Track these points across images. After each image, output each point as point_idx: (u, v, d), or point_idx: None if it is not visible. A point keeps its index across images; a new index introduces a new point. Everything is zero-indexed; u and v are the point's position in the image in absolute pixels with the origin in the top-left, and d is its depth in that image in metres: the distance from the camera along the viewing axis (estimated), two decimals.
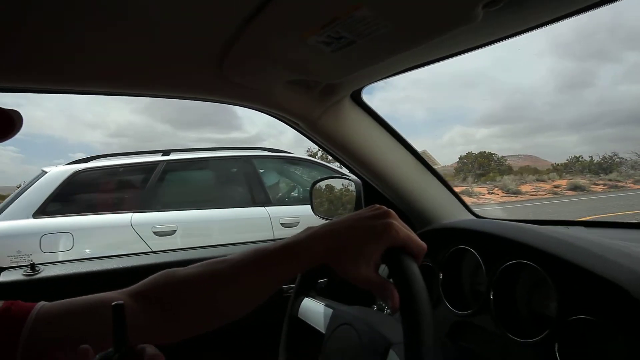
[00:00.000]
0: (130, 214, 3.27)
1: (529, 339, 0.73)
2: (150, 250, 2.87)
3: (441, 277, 0.97)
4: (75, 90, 0.88)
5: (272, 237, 3.18)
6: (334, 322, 0.79)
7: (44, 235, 2.93)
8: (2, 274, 1.19)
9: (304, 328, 0.90)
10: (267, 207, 3.58)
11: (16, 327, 0.54)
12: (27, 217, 3.00)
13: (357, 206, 1.39)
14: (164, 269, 0.63)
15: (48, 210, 3.06)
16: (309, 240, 0.58)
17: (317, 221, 0.76)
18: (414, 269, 0.52)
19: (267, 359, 1.02)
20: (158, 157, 3.60)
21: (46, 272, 1.20)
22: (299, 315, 0.90)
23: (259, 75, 0.86)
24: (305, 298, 0.91)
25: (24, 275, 1.18)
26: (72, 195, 3.25)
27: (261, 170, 3.89)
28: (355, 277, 0.55)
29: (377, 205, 0.60)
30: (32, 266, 1.20)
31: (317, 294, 0.94)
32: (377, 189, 1.23)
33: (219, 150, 3.88)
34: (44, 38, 0.66)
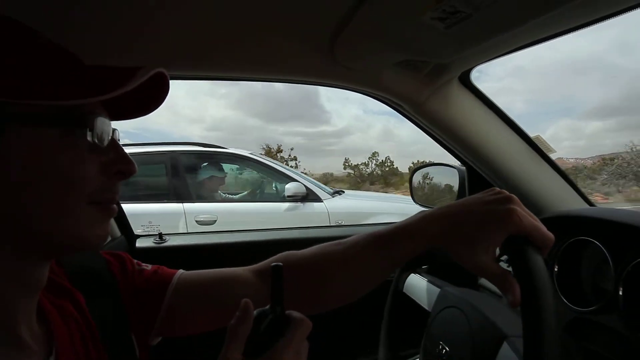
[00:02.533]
0: None
1: None
2: None
3: (556, 270, 0.91)
4: (212, 76, 0.97)
5: None
6: (441, 302, 0.78)
7: None
8: (137, 240, 1.37)
9: (408, 304, 0.90)
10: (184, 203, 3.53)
11: (162, 288, 0.62)
12: None
13: (461, 194, 1.34)
14: (274, 245, 0.67)
15: None
16: (423, 222, 0.58)
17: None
18: (539, 261, 0.49)
19: (373, 334, 1.03)
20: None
21: (171, 241, 1.36)
22: (404, 291, 0.91)
23: (369, 57, 0.87)
24: (412, 274, 0.91)
25: (154, 242, 1.35)
26: None
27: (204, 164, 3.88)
28: (471, 263, 0.53)
29: (497, 189, 0.57)
30: (160, 235, 1.37)
31: (423, 271, 0.94)
32: (482, 176, 1.17)
33: (147, 146, 3.85)
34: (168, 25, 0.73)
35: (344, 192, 4.16)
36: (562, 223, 0.93)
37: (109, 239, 1.32)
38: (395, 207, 3.87)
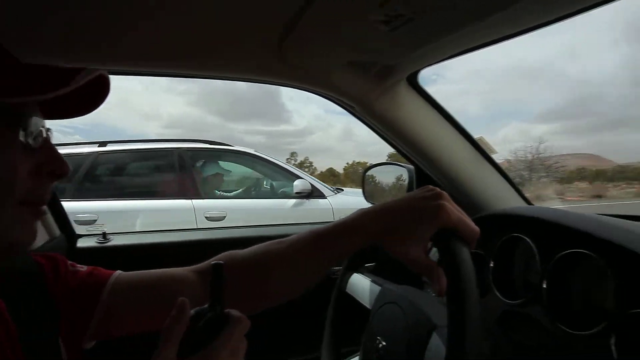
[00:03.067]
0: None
1: (583, 332, 0.71)
2: None
3: (492, 265, 0.96)
4: (134, 71, 0.94)
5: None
6: (380, 299, 0.81)
7: None
8: (79, 240, 1.31)
9: (351, 303, 0.92)
10: (193, 200, 3.58)
11: (97, 290, 0.61)
12: None
13: (409, 192, 1.38)
14: (219, 244, 0.67)
15: None
16: (362, 219, 0.60)
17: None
18: (464, 253, 0.52)
19: (314, 333, 1.05)
20: (93, 148, 3.63)
21: (115, 241, 1.32)
22: (347, 290, 0.93)
23: (318, 57, 0.88)
24: (354, 274, 0.93)
25: (97, 242, 1.30)
26: None
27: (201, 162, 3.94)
28: (404, 256, 0.56)
29: (431, 187, 0.60)
30: (104, 235, 1.32)
31: (367, 270, 0.96)
32: (430, 176, 1.22)
33: (154, 142, 3.91)
34: (99, 16, 0.71)
35: (343, 189, 4.32)
36: (499, 221, 0.98)
37: (47, 238, 1.27)
38: None
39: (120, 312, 0.61)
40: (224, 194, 4.06)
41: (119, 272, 0.65)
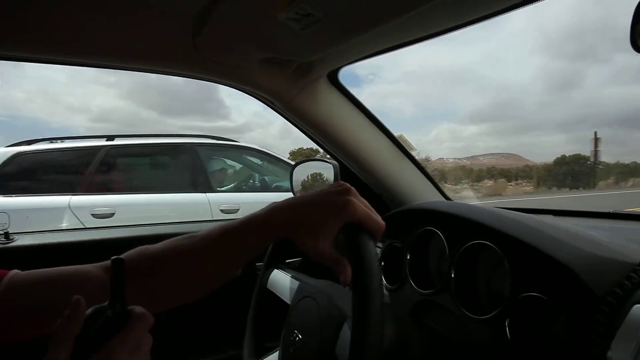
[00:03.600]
0: (69, 197, 3.26)
1: (483, 316, 0.76)
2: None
3: (408, 258, 1.00)
4: (50, 59, 0.88)
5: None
6: (299, 294, 0.81)
7: None
8: None
9: (273, 299, 0.92)
10: (207, 194, 3.64)
11: None
12: None
13: None
14: (134, 242, 0.64)
15: None
16: (272, 213, 0.60)
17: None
18: (368, 245, 0.54)
19: (236, 329, 1.04)
20: (102, 142, 3.62)
21: (20, 241, 1.21)
22: (268, 287, 0.93)
23: (233, 52, 0.87)
24: (275, 269, 0.93)
25: None
26: (11, 177, 3.27)
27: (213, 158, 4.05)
28: (311, 250, 0.56)
29: (341, 182, 0.61)
30: (7, 235, 1.21)
31: (288, 267, 0.96)
32: (353, 171, 1.24)
33: (163, 137, 3.93)
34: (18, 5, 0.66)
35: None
36: (414, 215, 1.02)
37: None
38: None
39: (16, 313, 0.56)
40: (236, 186, 4.13)
41: (15, 271, 0.59)
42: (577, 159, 25.77)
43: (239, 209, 3.53)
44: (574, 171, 23.85)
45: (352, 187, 0.60)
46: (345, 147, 1.14)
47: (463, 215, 0.85)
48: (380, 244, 1.20)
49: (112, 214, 3.26)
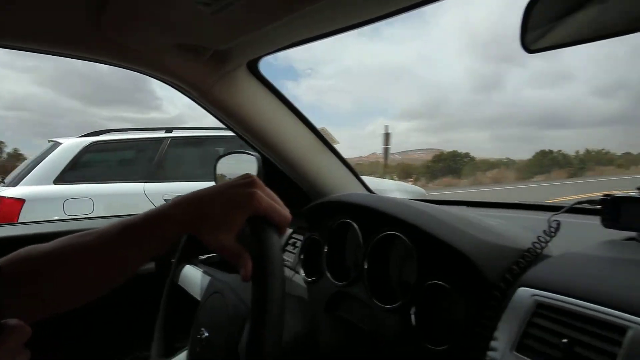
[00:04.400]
0: (143, 184, 3.59)
1: (391, 305, 0.78)
2: None
3: (326, 250, 1.01)
4: None
5: None
6: (208, 290, 0.79)
7: (66, 200, 3.20)
8: None
9: (184, 296, 0.89)
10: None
11: None
12: (49, 184, 3.27)
13: None
14: (30, 240, 0.59)
15: (67, 178, 3.34)
16: (171, 208, 0.57)
17: None
18: (270, 238, 0.53)
19: (147, 329, 0.99)
20: (161, 134, 3.94)
21: None
22: (179, 283, 0.89)
23: (142, 35, 0.82)
24: (188, 265, 0.90)
25: None
26: (88, 165, 3.57)
27: None
28: (213, 244, 0.54)
29: (247, 174, 0.60)
30: None
31: (205, 262, 0.93)
32: (275, 164, 1.23)
33: (213, 130, 4.24)
34: None
35: None
36: (331, 208, 1.03)
37: None
38: (395, 185, 4.94)
39: None
40: None
41: None
42: (454, 155, 27.98)
43: None
44: (449, 167, 25.72)
45: (258, 179, 0.58)
46: (266, 139, 1.12)
47: (376, 207, 0.87)
48: (301, 237, 1.21)
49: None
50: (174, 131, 4.04)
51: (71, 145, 3.48)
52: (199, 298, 0.82)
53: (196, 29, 0.76)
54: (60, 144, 3.47)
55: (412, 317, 0.74)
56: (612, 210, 0.74)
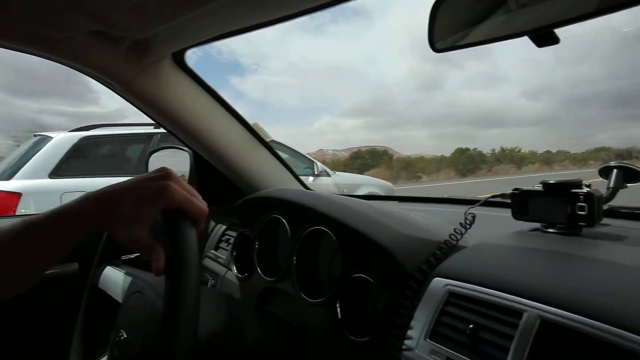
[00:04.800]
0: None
1: (318, 299, 0.79)
2: None
3: (257, 246, 1.00)
4: None
5: None
6: (129, 290, 0.76)
7: (64, 193, 3.14)
8: None
9: (106, 299, 0.85)
10: None
11: None
12: (44, 177, 3.23)
13: (192, 177, 1.35)
14: None
15: (61, 172, 3.31)
16: (79, 204, 0.54)
17: None
18: (184, 231, 0.51)
19: (69, 333, 0.94)
20: (151, 129, 3.91)
21: None
22: (99, 286, 0.85)
23: (52, 20, 0.76)
24: (108, 267, 0.86)
25: None
26: (81, 159, 3.55)
27: None
28: (124, 238, 0.53)
29: (163, 168, 0.58)
30: None
31: (128, 263, 0.89)
32: (206, 159, 1.20)
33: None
34: None
35: (334, 172, 5.14)
36: (261, 203, 1.02)
37: None
38: (372, 180, 5.36)
39: None
40: None
41: None
42: (372, 152, 29.06)
43: None
44: (367, 164, 26.31)
45: (173, 172, 0.57)
46: (195, 134, 1.09)
47: (302, 202, 0.87)
48: (234, 234, 1.19)
49: None
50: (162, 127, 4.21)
51: (64, 139, 3.45)
52: (120, 300, 0.79)
53: (110, 17, 0.72)
54: (50, 137, 3.43)
55: (338, 310, 0.75)
56: (521, 203, 0.79)
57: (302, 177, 4.37)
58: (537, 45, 0.47)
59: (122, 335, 0.69)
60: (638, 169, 0.82)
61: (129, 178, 0.57)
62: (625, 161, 0.86)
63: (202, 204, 0.56)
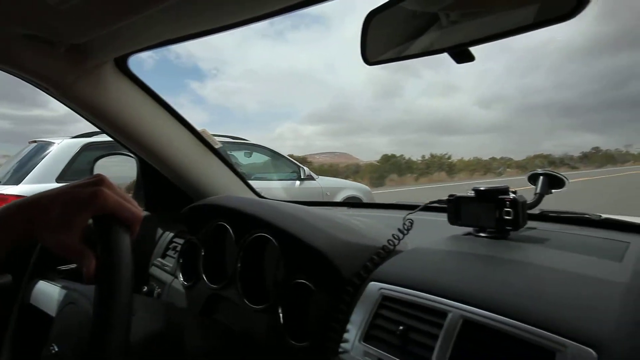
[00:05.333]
0: None
1: (261, 305, 0.79)
2: None
3: (203, 253, 0.99)
4: None
5: None
6: (62, 303, 0.73)
7: None
8: None
9: (38, 316, 0.81)
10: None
11: None
12: (51, 182, 3.22)
13: (137, 183, 1.32)
14: None
15: (67, 177, 3.30)
16: (4, 212, 0.52)
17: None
18: (115, 236, 0.50)
19: None
20: None
21: None
22: (31, 302, 0.81)
23: None
24: (41, 281, 0.83)
25: None
26: (85, 165, 3.51)
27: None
28: (54, 245, 0.51)
29: (98, 174, 0.57)
30: None
31: (64, 275, 0.86)
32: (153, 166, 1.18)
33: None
34: None
35: (318, 176, 5.30)
36: (207, 210, 1.02)
37: None
38: (351, 184, 5.53)
39: None
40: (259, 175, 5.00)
41: None
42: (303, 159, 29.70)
43: (260, 193, 4.31)
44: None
45: (106, 178, 0.56)
46: (139, 140, 1.07)
47: (245, 210, 0.88)
48: (181, 241, 1.17)
49: None
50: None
51: (68, 145, 3.52)
52: (54, 315, 0.76)
53: (42, 21, 0.70)
54: (52, 143, 3.50)
55: (280, 315, 0.75)
56: (455, 209, 0.83)
57: (290, 181, 4.80)
58: (456, 62, 0.50)
59: (54, 349, 0.66)
60: (561, 176, 0.88)
61: (63, 185, 0.56)
62: (549, 169, 0.92)
63: (136, 209, 0.56)
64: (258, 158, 5.21)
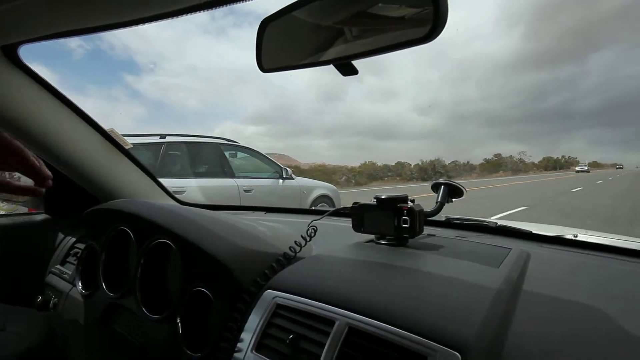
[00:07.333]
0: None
1: (160, 314, 0.76)
2: None
3: (102, 259, 0.93)
4: None
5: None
6: None
7: None
8: None
9: None
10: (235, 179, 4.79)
11: None
12: None
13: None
14: None
15: None
16: None
17: None
18: None
19: None
20: (157, 139, 4.42)
21: None
22: None
23: None
24: None
25: None
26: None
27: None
28: None
29: None
30: None
31: None
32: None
33: (195, 137, 4.90)
34: None
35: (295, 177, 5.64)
36: (108, 215, 0.96)
37: None
38: (322, 184, 5.80)
39: None
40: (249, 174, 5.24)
41: None
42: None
43: (252, 190, 4.77)
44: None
45: None
46: (33, 137, 0.98)
47: (145, 215, 0.84)
48: (82, 246, 1.10)
49: (184, 191, 3.98)
50: (168, 137, 4.64)
51: None
52: None
53: None
54: None
55: (179, 325, 0.73)
56: (359, 216, 0.85)
57: (272, 180, 5.47)
58: (342, 74, 0.51)
59: None
60: (460, 186, 0.93)
61: None
62: (450, 179, 0.97)
63: None
64: (245, 159, 5.57)
